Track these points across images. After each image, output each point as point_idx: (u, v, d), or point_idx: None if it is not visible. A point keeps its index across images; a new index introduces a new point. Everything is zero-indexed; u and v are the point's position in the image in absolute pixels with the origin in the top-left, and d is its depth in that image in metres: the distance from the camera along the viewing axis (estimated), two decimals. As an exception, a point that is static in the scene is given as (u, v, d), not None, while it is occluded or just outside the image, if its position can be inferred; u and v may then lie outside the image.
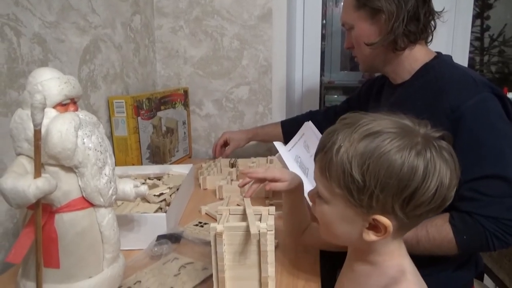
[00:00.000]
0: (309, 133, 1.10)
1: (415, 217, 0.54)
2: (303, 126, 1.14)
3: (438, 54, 0.96)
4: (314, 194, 0.62)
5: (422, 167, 0.51)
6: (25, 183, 0.54)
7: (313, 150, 1.09)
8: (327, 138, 0.57)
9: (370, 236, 0.55)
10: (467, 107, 0.80)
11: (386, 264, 0.58)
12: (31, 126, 0.56)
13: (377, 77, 1.16)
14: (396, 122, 0.55)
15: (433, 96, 0.85)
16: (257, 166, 1.31)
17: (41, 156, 0.56)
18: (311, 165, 1.00)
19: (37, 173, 0.56)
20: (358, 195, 0.53)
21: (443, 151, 0.53)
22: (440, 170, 0.52)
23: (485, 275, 1.24)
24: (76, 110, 0.65)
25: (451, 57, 0.96)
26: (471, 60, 1.94)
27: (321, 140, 0.59)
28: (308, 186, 0.90)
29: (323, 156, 0.57)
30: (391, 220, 0.53)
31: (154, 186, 1.09)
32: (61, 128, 0.59)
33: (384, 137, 0.52)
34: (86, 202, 0.63)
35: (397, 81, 0.99)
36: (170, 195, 1.05)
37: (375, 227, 0.55)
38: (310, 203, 0.67)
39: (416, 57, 0.94)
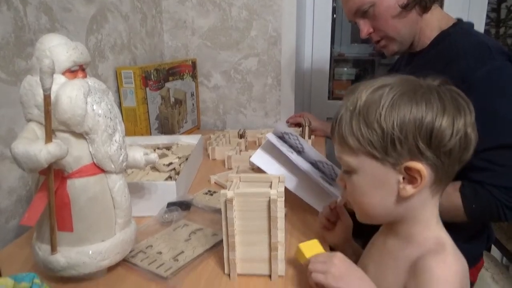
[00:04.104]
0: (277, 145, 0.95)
1: (445, 155, 0.53)
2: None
3: (458, 21, 0.93)
4: (342, 176, 0.62)
5: (432, 102, 0.53)
6: (37, 147, 0.55)
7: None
8: (336, 114, 0.60)
9: (407, 190, 0.55)
10: (479, 75, 0.77)
11: (423, 236, 0.57)
12: (40, 92, 0.56)
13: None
14: (397, 76, 0.57)
15: (445, 65, 0.83)
16: (265, 139, 1.30)
17: (51, 121, 0.56)
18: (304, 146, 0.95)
19: (48, 138, 0.56)
20: (380, 145, 0.54)
21: (447, 92, 0.55)
22: (448, 107, 0.53)
23: (493, 246, 1.24)
24: (85, 77, 0.65)
25: (473, 24, 0.93)
26: (486, 32, 1.88)
27: (333, 119, 0.61)
28: (303, 163, 0.90)
29: (338, 128, 0.58)
30: (423, 164, 0.53)
31: (163, 155, 1.10)
32: (71, 94, 0.59)
33: (388, 87, 0.55)
34: (97, 168, 0.63)
35: (417, 49, 0.97)
36: (180, 165, 1.06)
37: (410, 179, 0.55)
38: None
39: (434, 23, 0.92)
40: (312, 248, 0.64)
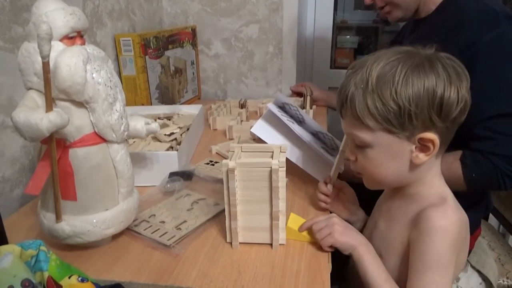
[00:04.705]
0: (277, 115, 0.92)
1: (450, 122, 0.58)
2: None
3: None
4: (353, 150, 0.64)
5: (440, 74, 0.55)
6: (38, 116, 0.54)
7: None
8: (343, 92, 0.61)
9: (420, 158, 0.59)
10: (485, 42, 0.75)
11: (427, 193, 0.62)
12: (39, 59, 0.55)
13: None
14: (397, 49, 0.59)
15: (450, 31, 0.81)
16: (266, 108, 1.28)
17: (51, 89, 0.56)
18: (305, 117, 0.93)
19: (49, 107, 0.56)
20: (397, 121, 0.56)
21: (447, 60, 0.58)
22: (452, 76, 0.56)
23: (490, 214, 1.26)
24: (83, 44, 0.63)
25: None
26: (495, -3, 1.82)
27: (338, 97, 0.62)
28: (304, 133, 0.90)
29: (350, 107, 0.59)
30: (433, 133, 0.57)
31: (164, 126, 1.09)
32: (70, 62, 0.57)
33: (397, 62, 0.57)
34: (99, 138, 0.63)
35: (422, 15, 0.94)
36: (181, 135, 1.06)
37: (422, 148, 0.59)
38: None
39: None
40: (296, 222, 0.71)
